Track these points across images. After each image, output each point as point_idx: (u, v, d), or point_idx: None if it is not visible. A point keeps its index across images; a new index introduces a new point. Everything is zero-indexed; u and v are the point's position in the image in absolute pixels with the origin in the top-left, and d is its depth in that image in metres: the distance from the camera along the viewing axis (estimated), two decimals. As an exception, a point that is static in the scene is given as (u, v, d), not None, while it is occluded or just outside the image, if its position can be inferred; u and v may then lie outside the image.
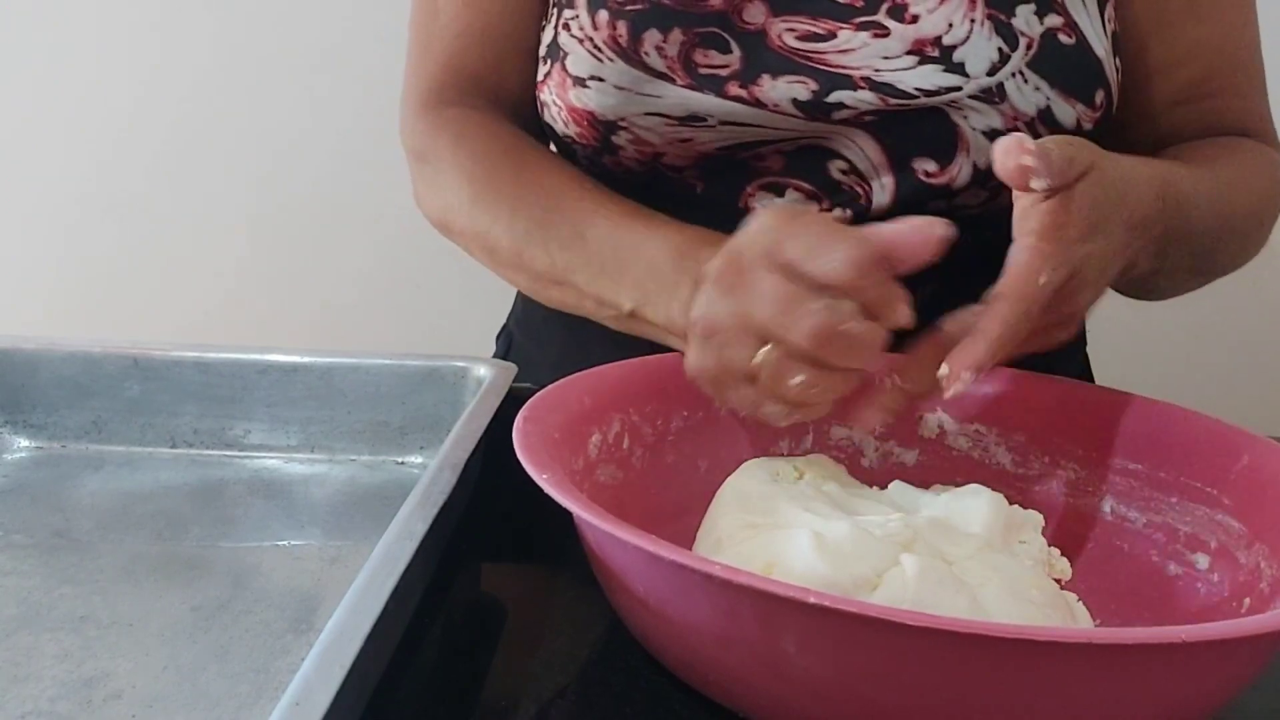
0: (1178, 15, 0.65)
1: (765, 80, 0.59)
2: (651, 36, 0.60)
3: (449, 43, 0.69)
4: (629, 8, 0.60)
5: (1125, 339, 1.09)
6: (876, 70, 0.58)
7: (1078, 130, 0.60)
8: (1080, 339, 0.77)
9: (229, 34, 1.30)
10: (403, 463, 0.60)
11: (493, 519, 0.55)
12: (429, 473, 0.45)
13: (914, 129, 0.60)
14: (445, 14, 0.69)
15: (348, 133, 1.30)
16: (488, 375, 0.58)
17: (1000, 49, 0.59)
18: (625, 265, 0.56)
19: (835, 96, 0.58)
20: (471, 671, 0.42)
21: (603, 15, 0.60)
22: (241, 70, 1.31)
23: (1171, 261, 0.56)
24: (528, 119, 0.68)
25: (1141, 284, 0.59)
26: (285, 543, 0.52)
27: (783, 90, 0.59)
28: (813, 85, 0.59)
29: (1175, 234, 0.54)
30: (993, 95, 0.59)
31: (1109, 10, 0.62)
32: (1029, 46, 0.59)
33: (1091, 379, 0.75)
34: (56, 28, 1.30)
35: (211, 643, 0.43)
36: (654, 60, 0.60)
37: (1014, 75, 0.59)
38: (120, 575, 0.48)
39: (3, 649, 0.42)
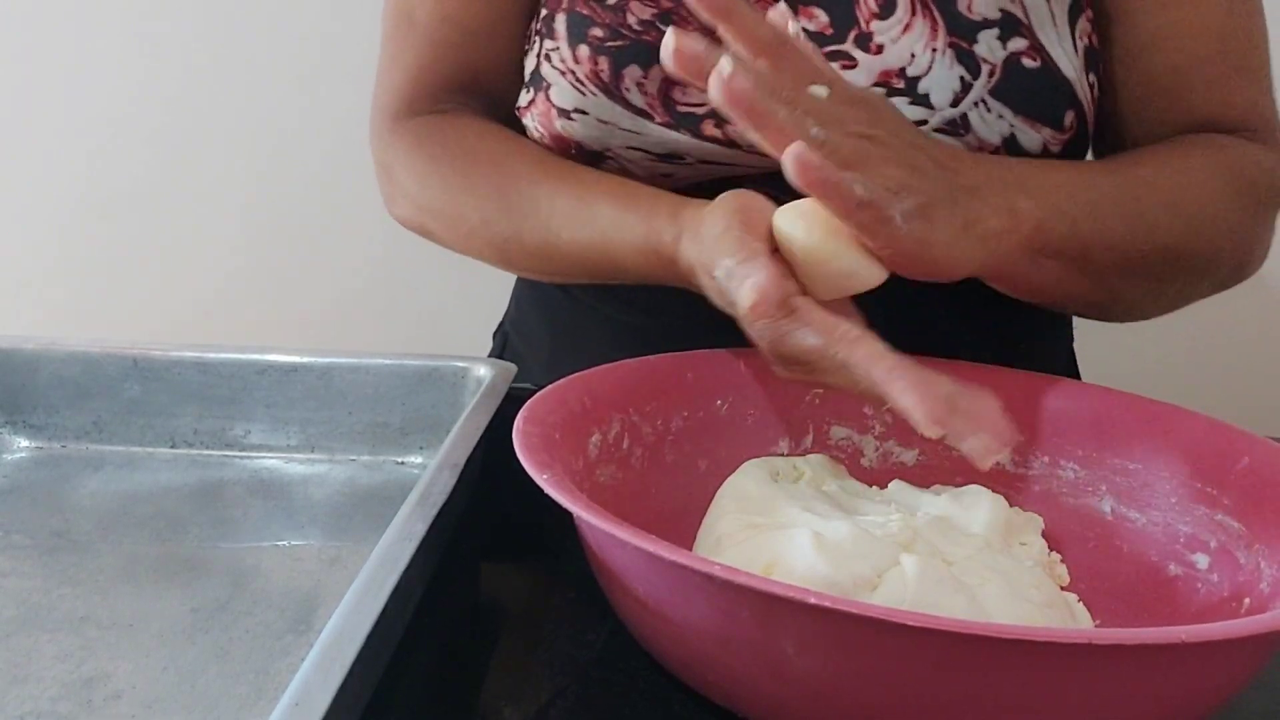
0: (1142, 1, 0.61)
1: None
2: (632, 72, 0.60)
3: (422, 53, 0.67)
4: (609, 44, 0.60)
5: (1126, 339, 1.09)
6: None
7: (1044, 153, 0.60)
8: (1066, 334, 0.77)
9: (231, 31, 1.30)
10: (402, 463, 0.60)
11: (493, 519, 0.55)
12: (428, 473, 0.45)
13: None
14: (421, 25, 0.67)
15: (347, 132, 1.29)
16: (487, 375, 0.58)
17: (962, 78, 0.58)
18: (638, 200, 0.56)
19: None
20: (471, 671, 0.42)
21: (583, 50, 0.60)
22: (240, 68, 1.31)
23: (1102, 264, 0.54)
24: (508, 114, 0.67)
25: (1099, 302, 0.58)
26: (285, 543, 0.52)
27: None
28: None
29: (1077, 233, 0.52)
30: (957, 126, 0.58)
31: (1082, 24, 0.60)
32: (991, 74, 0.58)
33: (1078, 377, 0.75)
34: (53, 25, 1.30)
35: (211, 643, 0.43)
36: (634, 96, 0.60)
37: (976, 104, 0.58)
38: (120, 576, 0.48)
39: (2, 649, 0.42)
